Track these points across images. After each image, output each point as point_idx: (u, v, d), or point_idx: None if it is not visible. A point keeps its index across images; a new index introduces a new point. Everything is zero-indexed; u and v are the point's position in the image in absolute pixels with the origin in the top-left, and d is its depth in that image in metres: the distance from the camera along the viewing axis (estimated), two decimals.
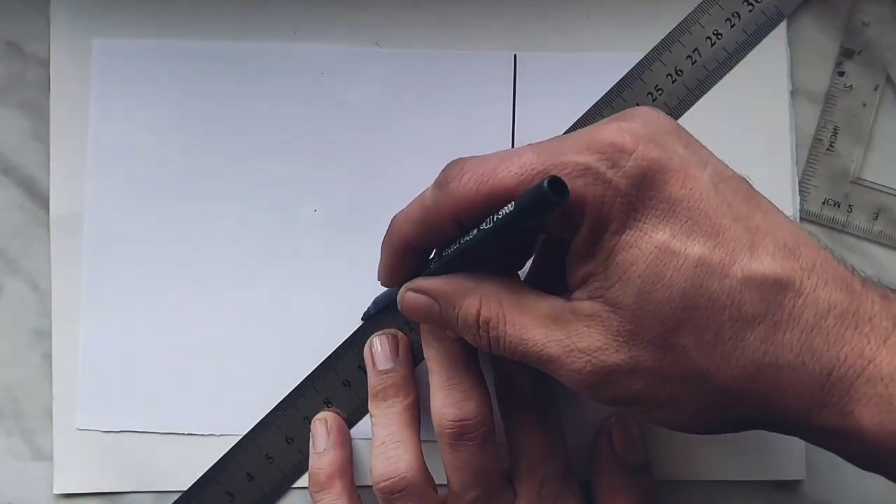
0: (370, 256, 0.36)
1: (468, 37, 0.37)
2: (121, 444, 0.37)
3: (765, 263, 0.26)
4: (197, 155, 0.37)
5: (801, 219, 0.38)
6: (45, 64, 0.37)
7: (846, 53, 0.38)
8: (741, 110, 0.38)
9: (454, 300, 0.30)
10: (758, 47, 0.38)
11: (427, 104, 0.37)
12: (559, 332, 0.28)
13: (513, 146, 0.37)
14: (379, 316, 0.36)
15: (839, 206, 0.38)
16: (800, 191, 0.38)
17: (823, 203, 0.38)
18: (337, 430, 0.36)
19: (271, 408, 0.37)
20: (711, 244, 0.26)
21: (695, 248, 0.26)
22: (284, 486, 0.37)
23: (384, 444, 0.33)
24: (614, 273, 0.27)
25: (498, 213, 0.27)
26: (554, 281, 0.31)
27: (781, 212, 0.28)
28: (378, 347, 0.36)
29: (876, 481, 0.37)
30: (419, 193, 0.31)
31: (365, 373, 0.36)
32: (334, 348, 0.37)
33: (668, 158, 0.27)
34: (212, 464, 0.37)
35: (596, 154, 0.27)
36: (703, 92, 0.37)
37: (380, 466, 0.33)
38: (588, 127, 0.28)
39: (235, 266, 0.37)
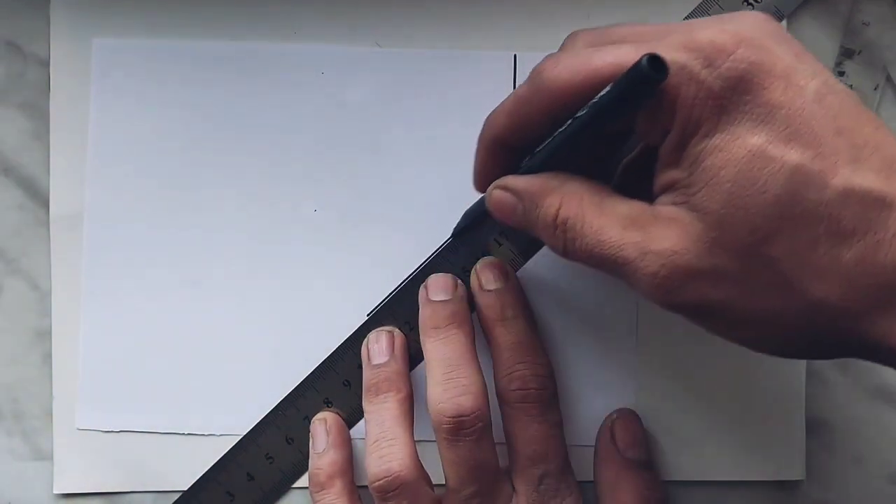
0: (370, 256, 0.36)
1: (468, 37, 0.37)
2: (121, 444, 0.37)
3: (868, 178, 0.25)
4: (197, 155, 0.37)
5: None
6: (45, 64, 0.37)
7: (846, 53, 0.38)
8: None
9: (537, 199, 0.29)
10: None
11: (427, 104, 0.37)
12: (636, 235, 0.27)
13: None
14: (469, 231, 0.36)
15: None
16: None
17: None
18: (336, 431, 0.36)
19: (271, 408, 0.37)
20: (811, 153, 0.25)
21: (792, 155, 0.25)
22: (284, 486, 0.37)
23: (377, 441, 0.33)
24: (701, 178, 0.26)
25: (594, 98, 0.26)
26: (641, 192, 0.29)
27: (891, 131, 0.26)
28: (374, 343, 0.36)
29: (876, 481, 0.37)
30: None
31: None
32: (334, 348, 0.37)
33: (771, 63, 0.25)
34: (212, 464, 0.37)
35: (692, 52, 0.25)
36: None
37: (373, 466, 0.33)
38: (690, 22, 0.27)
39: (235, 266, 0.37)
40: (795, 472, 0.37)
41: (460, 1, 0.37)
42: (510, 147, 0.31)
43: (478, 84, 0.37)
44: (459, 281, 0.35)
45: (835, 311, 0.25)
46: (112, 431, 0.37)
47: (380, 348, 0.35)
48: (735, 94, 0.25)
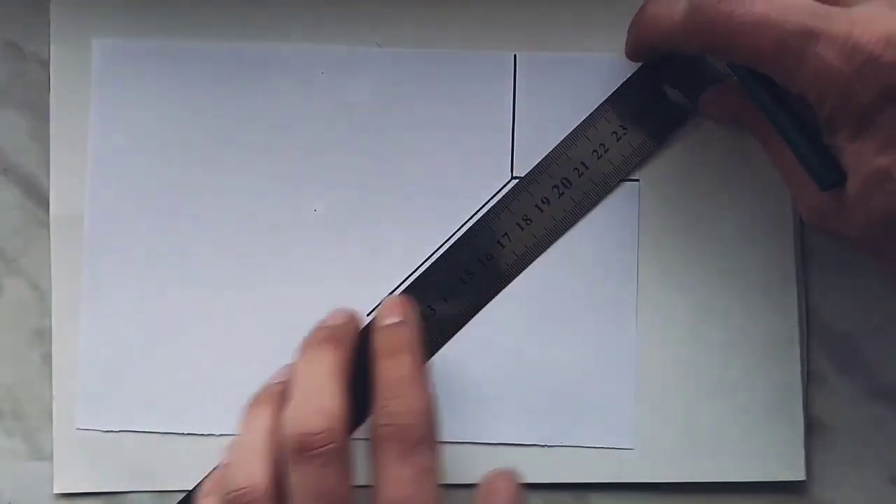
0: (370, 256, 0.36)
1: (468, 37, 0.37)
2: (121, 444, 0.37)
3: None
4: (197, 155, 0.37)
5: (800, 219, 0.37)
6: (45, 64, 0.37)
7: None
8: None
9: None
10: None
11: (427, 104, 0.37)
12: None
13: (512, 146, 0.37)
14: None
15: None
16: None
17: None
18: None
19: None
20: None
21: None
22: None
23: (305, 393, 0.30)
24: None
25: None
26: None
27: None
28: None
29: (876, 481, 0.37)
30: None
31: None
32: None
33: None
34: (212, 464, 0.37)
35: (849, 56, 0.26)
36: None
37: (295, 415, 0.30)
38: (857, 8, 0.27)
39: (235, 266, 0.37)
40: (795, 473, 0.36)
41: (460, 1, 0.37)
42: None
43: (479, 84, 0.37)
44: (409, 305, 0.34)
45: None
46: (112, 431, 0.37)
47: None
48: (879, 105, 0.25)
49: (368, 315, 0.37)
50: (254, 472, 0.30)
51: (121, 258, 0.37)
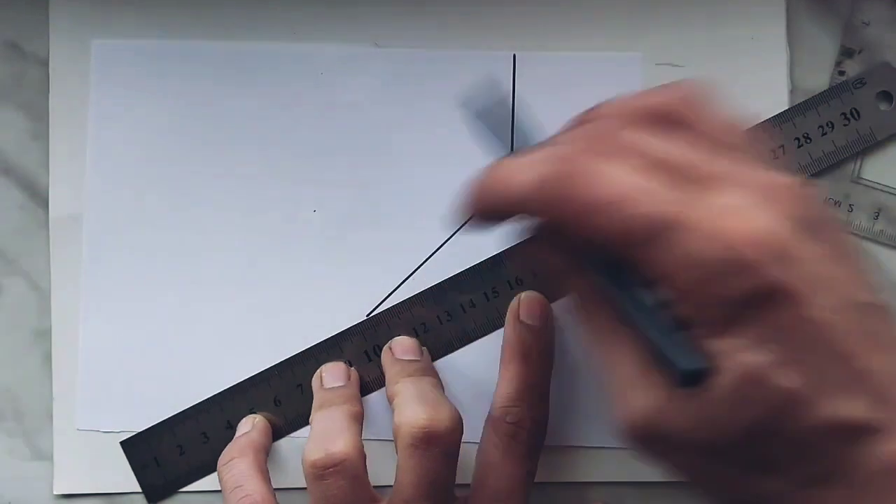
0: (370, 257, 0.36)
1: (467, 37, 0.37)
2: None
3: (856, 408, 0.23)
4: (196, 155, 0.37)
5: None
6: (45, 64, 0.37)
7: (846, 52, 0.38)
8: (741, 110, 0.37)
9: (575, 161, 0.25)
10: (758, 47, 0.37)
11: (426, 104, 0.37)
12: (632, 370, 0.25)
13: (512, 146, 0.37)
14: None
15: (839, 206, 0.37)
16: None
17: (824, 202, 0.38)
18: (263, 424, 0.36)
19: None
20: (805, 381, 0.23)
21: (786, 381, 0.23)
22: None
23: (323, 431, 0.33)
24: None
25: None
26: None
27: None
28: (327, 372, 0.36)
29: None
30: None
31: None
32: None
33: (793, 278, 0.23)
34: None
35: (720, 251, 0.23)
36: None
37: (313, 446, 0.32)
38: (731, 175, 0.24)
39: (235, 266, 0.37)
40: None
41: (460, 1, 0.37)
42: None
43: (478, 84, 0.37)
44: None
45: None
46: (112, 432, 0.37)
47: (334, 374, 0.36)
48: (750, 303, 0.23)
49: (368, 315, 0.37)
50: (340, 443, 0.32)
51: (121, 258, 0.37)
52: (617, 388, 0.25)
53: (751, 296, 0.23)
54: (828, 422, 0.23)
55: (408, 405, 0.32)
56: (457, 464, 0.32)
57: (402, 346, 0.36)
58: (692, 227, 0.23)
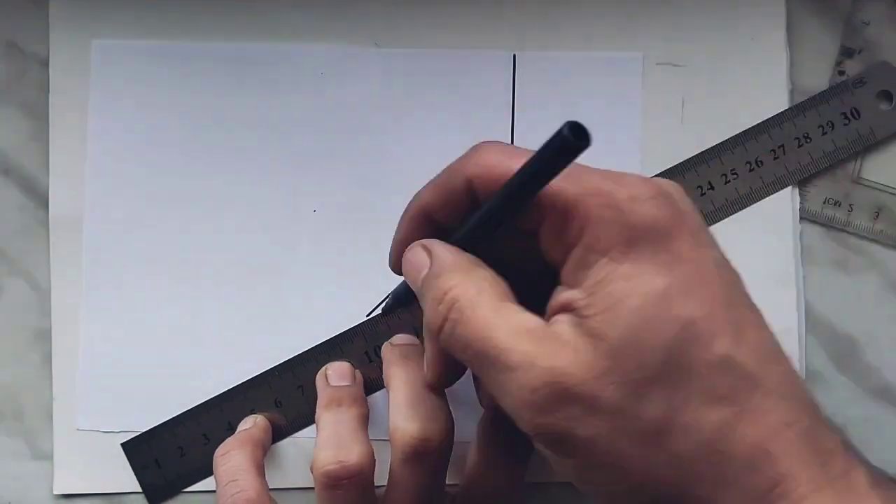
0: (369, 257, 0.36)
1: (467, 37, 0.37)
2: (120, 444, 0.37)
3: (744, 353, 0.25)
4: (196, 155, 0.37)
5: (801, 218, 0.37)
6: (45, 64, 0.37)
7: (846, 52, 0.38)
8: (741, 110, 0.37)
9: (442, 269, 0.28)
10: (758, 46, 0.37)
11: (426, 104, 0.37)
12: (527, 345, 0.25)
13: (512, 140, 0.37)
14: (397, 311, 0.35)
15: (840, 206, 0.38)
16: (800, 190, 0.38)
17: (824, 202, 0.38)
18: (264, 422, 0.36)
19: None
20: (703, 313, 0.25)
21: (689, 309, 0.25)
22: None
23: (334, 436, 0.32)
24: (603, 301, 0.25)
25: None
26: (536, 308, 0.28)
27: (765, 322, 0.27)
28: (332, 370, 0.36)
29: None
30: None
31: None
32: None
33: (685, 220, 0.26)
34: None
35: (618, 185, 0.26)
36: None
37: (325, 453, 0.32)
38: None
39: (235, 266, 0.37)
40: None
41: (460, 1, 0.37)
42: (434, 222, 0.30)
43: (478, 84, 0.37)
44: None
45: (689, 472, 0.25)
46: (112, 432, 0.37)
47: (340, 373, 0.35)
48: (649, 233, 0.25)
49: (368, 315, 0.37)
50: (353, 452, 0.32)
51: (121, 258, 0.37)
52: (518, 364, 0.25)
53: (652, 217, 0.25)
54: (724, 358, 0.25)
55: (401, 409, 0.32)
56: (445, 473, 0.32)
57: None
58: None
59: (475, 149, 0.29)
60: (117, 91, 0.37)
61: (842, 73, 0.37)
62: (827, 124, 0.37)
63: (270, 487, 0.33)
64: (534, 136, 0.37)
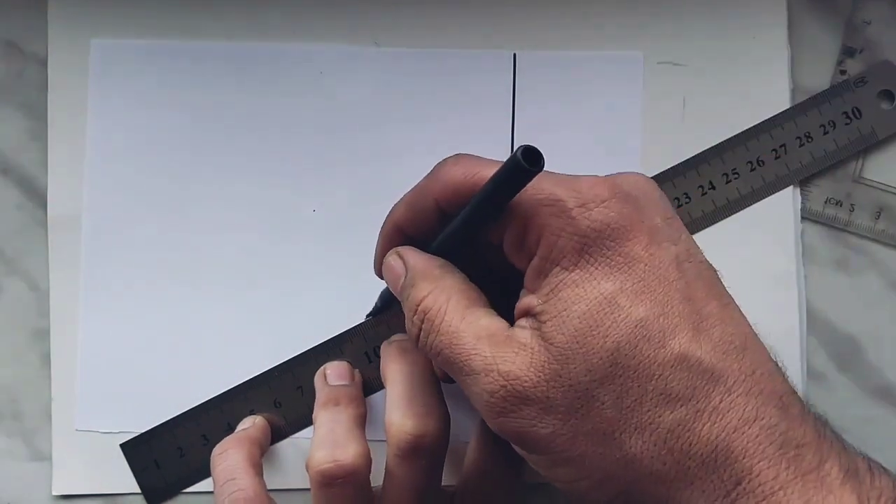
0: (369, 256, 0.36)
1: (467, 36, 0.37)
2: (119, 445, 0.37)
3: (703, 349, 0.25)
4: (195, 155, 0.37)
5: (803, 218, 0.37)
6: (44, 64, 0.37)
7: (848, 52, 0.37)
8: (742, 109, 0.37)
9: (415, 278, 0.29)
10: (759, 45, 0.37)
11: (426, 103, 0.37)
12: (488, 349, 0.27)
13: (512, 145, 0.37)
14: (386, 313, 0.36)
15: (841, 205, 0.37)
16: (801, 190, 0.37)
17: (825, 202, 0.37)
18: (262, 422, 0.36)
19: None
20: (657, 312, 0.26)
21: (639, 310, 0.26)
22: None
23: (330, 436, 0.32)
24: (554, 308, 0.26)
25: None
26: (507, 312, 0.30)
27: (741, 312, 0.27)
28: (331, 369, 0.36)
29: None
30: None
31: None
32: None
33: (639, 220, 0.27)
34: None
35: (570, 191, 0.27)
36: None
37: (320, 452, 0.31)
38: (582, 175, 0.28)
39: (234, 266, 0.37)
40: None
41: (460, 1, 0.37)
42: (409, 237, 0.31)
43: (478, 83, 0.37)
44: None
45: (646, 470, 0.25)
46: (111, 432, 0.37)
47: (339, 373, 0.35)
48: (599, 238, 0.26)
49: (368, 316, 0.37)
50: (348, 451, 0.32)
51: (119, 258, 0.37)
52: (480, 369, 0.27)
53: (602, 221, 0.26)
54: (679, 356, 0.25)
55: (397, 406, 0.32)
56: (442, 469, 0.32)
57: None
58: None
59: (440, 166, 0.30)
60: (116, 90, 0.37)
61: (843, 72, 0.37)
62: (828, 124, 0.37)
63: (270, 488, 0.33)
64: (534, 136, 0.37)
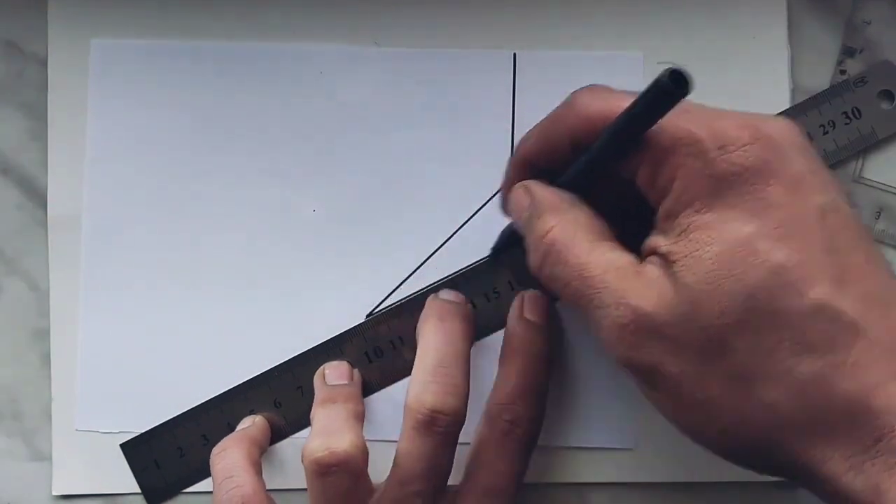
0: (369, 256, 0.36)
1: (467, 36, 0.37)
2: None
3: (845, 301, 0.24)
4: (195, 155, 0.37)
5: None
6: (44, 64, 0.37)
7: (848, 52, 0.37)
8: (741, 109, 0.37)
9: (542, 210, 0.29)
10: (758, 45, 0.37)
11: (426, 103, 0.37)
12: (617, 283, 0.26)
13: (512, 145, 0.37)
14: (506, 251, 0.36)
15: None
16: None
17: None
18: (262, 422, 0.36)
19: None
20: (796, 259, 0.25)
21: (777, 255, 0.25)
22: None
23: (325, 429, 0.32)
24: (685, 248, 0.26)
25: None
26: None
27: (889, 267, 0.26)
28: (331, 369, 0.36)
29: None
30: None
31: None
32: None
33: (780, 167, 0.26)
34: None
35: (710, 131, 0.26)
36: None
37: (315, 442, 0.32)
38: (726, 111, 0.27)
39: (234, 266, 0.37)
40: None
41: (460, 1, 0.37)
42: (538, 169, 0.31)
43: (478, 83, 0.37)
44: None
45: (778, 421, 0.25)
46: (111, 432, 0.37)
47: (338, 373, 0.35)
48: (738, 182, 0.25)
49: (369, 316, 0.37)
50: (343, 441, 0.32)
51: (119, 258, 0.37)
52: (609, 302, 0.26)
53: (741, 166, 0.25)
54: (818, 305, 0.24)
55: (421, 376, 0.32)
56: (455, 449, 0.32)
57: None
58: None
59: (575, 96, 0.29)
60: (116, 91, 0.37)
61: (843, 72, 0.37)
62: (828, 123, 0.37)
63: (270, 488, 0.33)
64: None
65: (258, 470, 0.33)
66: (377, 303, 0.37)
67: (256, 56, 0.37)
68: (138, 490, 0.37)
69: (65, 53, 0.37)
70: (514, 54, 0.37)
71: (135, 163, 0.37)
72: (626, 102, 0.26)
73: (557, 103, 0.37)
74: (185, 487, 0.37)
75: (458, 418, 0.32)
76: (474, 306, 0.36)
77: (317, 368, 0.36)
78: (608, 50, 0.37)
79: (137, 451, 0.37)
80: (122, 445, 0.36)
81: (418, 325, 0.35)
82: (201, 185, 0.37)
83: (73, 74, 0.37)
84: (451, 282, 0.36)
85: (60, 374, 0.37)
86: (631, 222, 0.29)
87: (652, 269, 0.27)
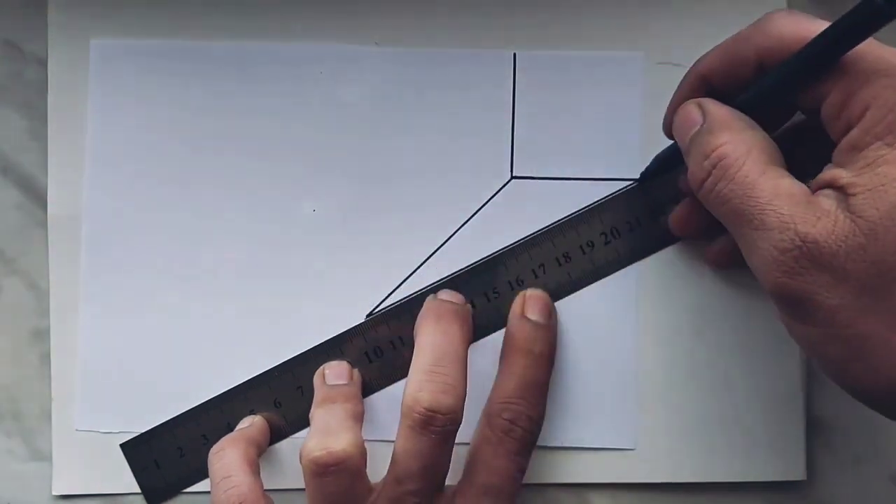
0: (369, 256, 0.36)
1: (467, 35, 0.37)
2: (119, 445, 0.37)
3: None
4: (195, 155, 0.37)
5: None
6: (44, 64, 0.37)
7: None
8: None
9: (714, 126, 0.28)
10: None
11: (426, 103, 0.37)
12: (786, 208, 0.26)
13: (512, 145, 0.37)
14: (657, 176, 0.35)
15: None
16: None
17: None
18: (261, 422, 0.36)
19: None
20: None
21: None
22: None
23: (324, 429, 0.32)
24: (870, 181, 0.25)
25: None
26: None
27: None
28: (330, 369, 0.36)
29: (876, 481, 0.37)
30: None
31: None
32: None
33: None
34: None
35: None
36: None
37: (314, 442, 0.32)
38: None
39: (234, 266, 0.37)
40: (796, 473, 0.36)
41: (460, 1, 0.37)
42: (713, 88, 0.30)
43: (478, 83, 0.37)
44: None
45: None
46: (111, 432, 0.37)
47: (337, 372, 0.35)
48: None
49: (369, 316, 0.37)
50: (341, 441, 0.32)
51: (119, 258, 0.37)
52: (775, 225, 0.26)
53: None
54: None
55: (418, 376, 0.32)
56: (452, 447, 0.32)
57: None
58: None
59: (767, 18, 0.29)
60: (116, 90, 0.37)
61: None
62: None
63: (269, 488, 0.33)
64: (535, 136, 0.37)
65: (256, 470, 0.33)
66: (377, 303, 0.37)
67: (256, 56, 0.37)
68: (138, 490, 0.37)
69: (65, 53, 0.37)
70: (514, 54, 0.37)
71: (134, 163, 0.37)
72: (823, 25, 0.26)
73: (557, 103, 0.37)
74: (185, 487, 0.37)
75: (454, 417, 0.31)
76: (474, 306, 0.36)
77: (317, 368, 0.36)
78: (608, 50, 0.37)
79: (137, 451, 0.37)
80: (122, 445, 0.36)
81: (416, 325, 0.35)
82: (201, 185, 0.37)
83: (72, 74, 0.37)
84: (451, 282, 0.37)
85: (60, 373, 0.37)
86: (799, 159, 0.28)
87: (826, 200, 0.26)
